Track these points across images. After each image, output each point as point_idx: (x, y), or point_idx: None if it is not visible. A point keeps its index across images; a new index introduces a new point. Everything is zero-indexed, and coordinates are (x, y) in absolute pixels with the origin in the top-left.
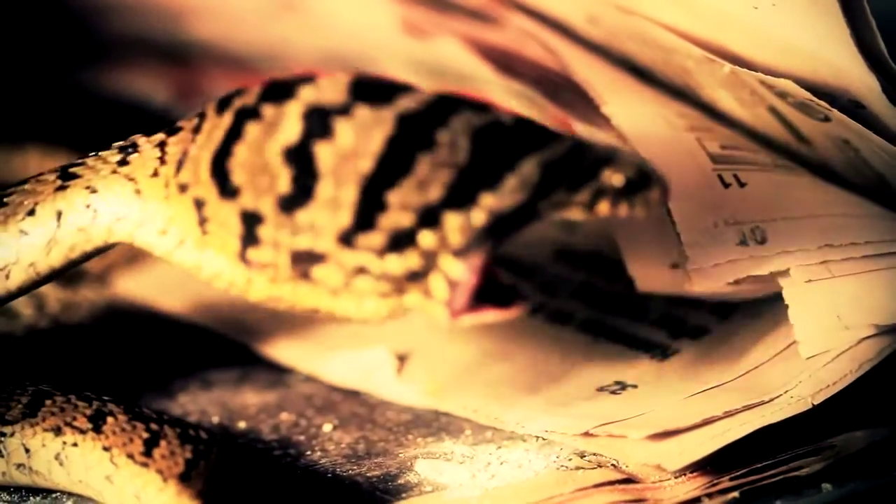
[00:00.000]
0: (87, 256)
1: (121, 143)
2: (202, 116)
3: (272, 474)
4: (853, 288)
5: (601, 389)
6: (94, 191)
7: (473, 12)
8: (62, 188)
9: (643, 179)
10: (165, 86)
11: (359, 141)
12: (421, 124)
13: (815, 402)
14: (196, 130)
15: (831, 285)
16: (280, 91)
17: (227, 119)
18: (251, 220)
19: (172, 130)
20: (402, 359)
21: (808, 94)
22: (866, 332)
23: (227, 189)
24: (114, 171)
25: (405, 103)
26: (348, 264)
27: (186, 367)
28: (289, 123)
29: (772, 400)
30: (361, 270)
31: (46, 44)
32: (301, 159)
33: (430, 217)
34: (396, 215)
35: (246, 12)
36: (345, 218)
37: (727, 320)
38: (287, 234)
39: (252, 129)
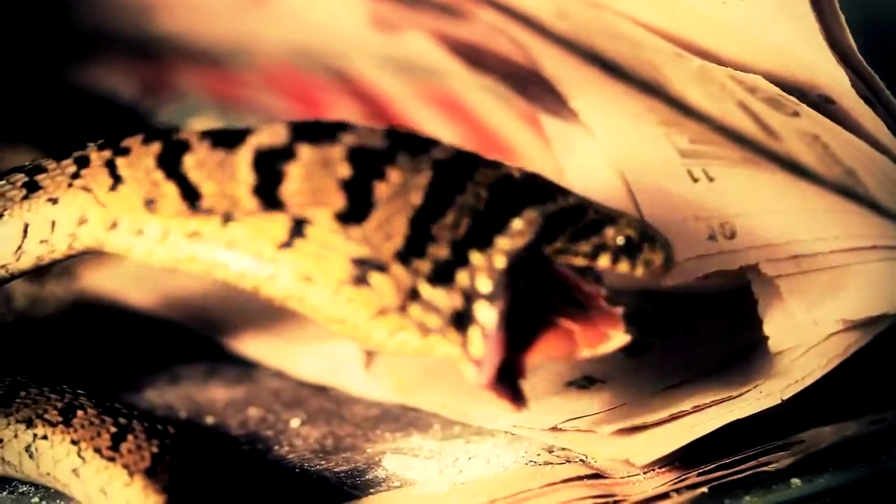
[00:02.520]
0: (57, 262)
1: (77, 153)
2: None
3: (239, 469)
4: (823, 283)
5: (569, 384)
6: (55, 202)
7: (442, 7)
8: (27, 198)
9: (646, 242)
10: (133, 80)
11: (406, 179)
12: (453, 171)
13: (785, 398)
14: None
15: (801, 280)
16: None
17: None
18: (300, 224)
19: (122, 151)
20: (370, 353)
21: (777, 90)
22: (836, 327)
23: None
24: (69, 185)
25: (438, 153)
26: (404, 283)
27: (154, 361)
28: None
29: (741, 395)
30: (414, 294)
31: (13, 37)
32: (358, 188)
33: (461, 253)
34: (439, 247)
35: (215, 6)
36: (398, 240)
37: (697, 315)
38: (341, 239)
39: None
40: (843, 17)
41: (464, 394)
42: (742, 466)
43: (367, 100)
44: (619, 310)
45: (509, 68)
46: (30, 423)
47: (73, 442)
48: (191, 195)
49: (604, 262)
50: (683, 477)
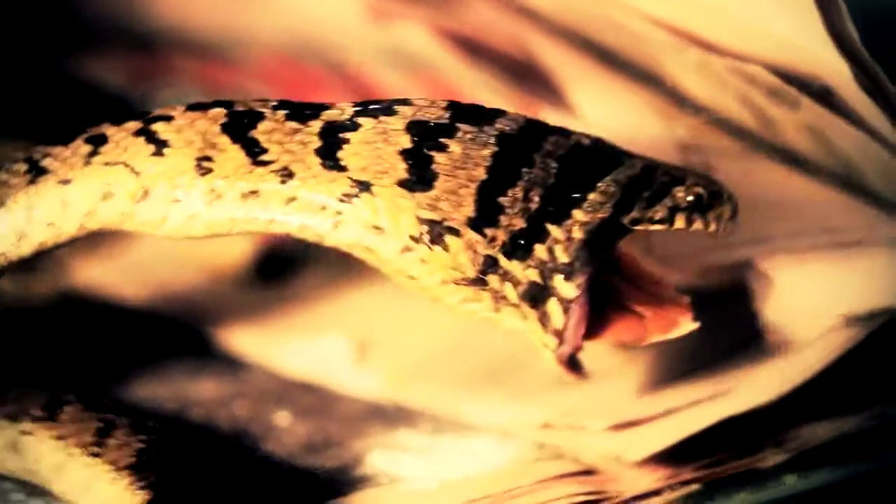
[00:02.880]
0: (58, 247)
1: (87, 134)
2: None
3: (227, 466)
4: (821, 277)
5: (561, 379)
6: (66, 182)
7: None
8: (33, 182)
9: (713, 197)
10: (124, 70)
11: (468, 152)
12: (519, 144)
13: (783, 391)
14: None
15: (799, 274)
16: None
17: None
18: (364, 184)
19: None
20: (361, 348)
21: (777, 81)
22: (834, 321)
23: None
24: (86, 163)
25: (503, 125)
26: (480, 250)
27: (142, 356)
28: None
29: (737, 389)
30: (493, 263)
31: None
32: (418, 158)
33: (538, 226)
34: (512, 217)
35: None
36: (468, 209)
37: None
38: (409, 201)
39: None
40: (844, 7)
41: (456, 389)
42: (736, 463)
43: (363, 92)
44: (687, 298)
45: (507, 61)
46: (14, 419)
47: (59, 438)
48: (253, 152)
49: (679, 223)
50: (676, 473)
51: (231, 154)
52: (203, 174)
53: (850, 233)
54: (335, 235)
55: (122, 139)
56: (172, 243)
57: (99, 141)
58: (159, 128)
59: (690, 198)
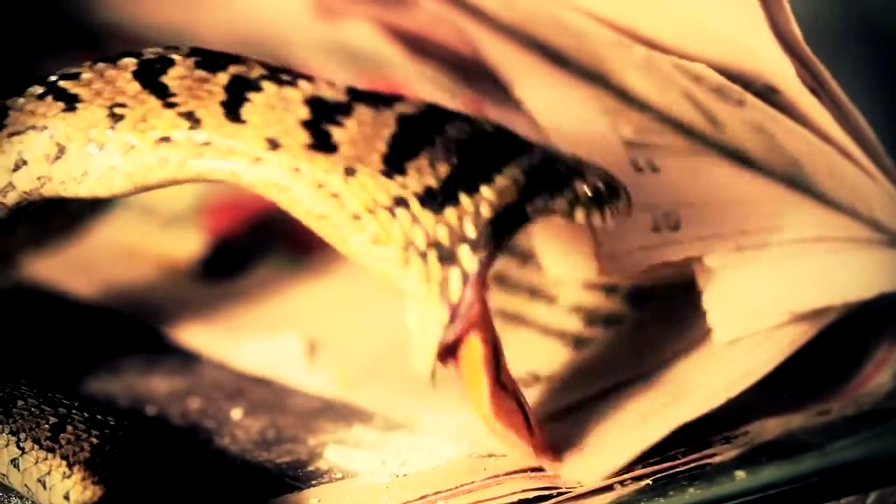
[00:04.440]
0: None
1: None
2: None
3: (180, 460)
4: (768, 275)
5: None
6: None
7: None
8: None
9: (611, 191)
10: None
11: (366, 130)
12: (420, 126)
13: (732, 395)
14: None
15: (746, 272)
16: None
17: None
18: (272, 141)
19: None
20: (311, 346)
21: (722, 79)
22: (782, 319)
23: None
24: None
25: (402, 108)
26: (392, 189)
27: (95, 351)
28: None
29: (686, 396)
30: (403, 203)
31: None
32: (318, 132)
33: (449, 190)
34: (423, 175)
35: None
36: (378, 164)
37: (641, 308)
38: (320, 155)
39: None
40: (787, 5)
41: (405, 392)
42: (686, 459)
43: None
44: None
45: (453, 57)
46: None
47: (12, 433)
48: (164, 97)
49: (579, 217)
50: (627, 469)
51: (142, 99)
52: (116, 122)
53: (796, 230)
54: (250, 175)
55: (26, 104)
56: (123, 236)
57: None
58: (67, 84)
59: (589, 192)
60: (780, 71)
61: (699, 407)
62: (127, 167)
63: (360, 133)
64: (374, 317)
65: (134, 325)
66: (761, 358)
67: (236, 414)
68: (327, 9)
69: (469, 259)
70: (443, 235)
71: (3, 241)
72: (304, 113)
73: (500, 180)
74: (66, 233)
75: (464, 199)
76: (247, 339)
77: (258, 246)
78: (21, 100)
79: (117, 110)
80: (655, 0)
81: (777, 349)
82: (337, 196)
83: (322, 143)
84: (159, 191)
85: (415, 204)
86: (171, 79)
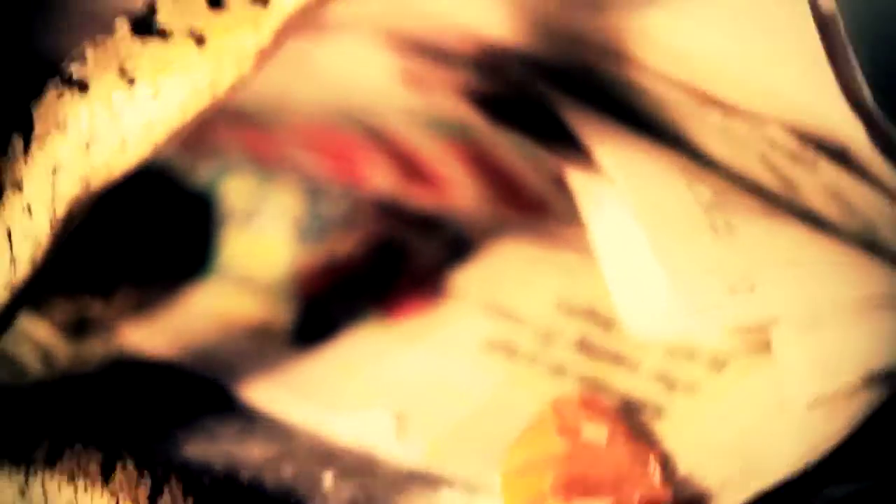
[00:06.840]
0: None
1: None
2: None
3: None
4: (841, 337)
5: None
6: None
7: (470, 63)
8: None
9: None
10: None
11: None
12: None
13: (810, 461)
14: None
15: (819, 334)
16: None
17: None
18: None
19: None
20: (401, 418)
21: (796, 142)
22: (853, 382)
23: None
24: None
25: None
26: None
27: (189, 416)
28: None
29: (765, 463)
30: None
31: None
32: None
33: None
34: None
35: None
36: None
37: (720, 373)
38: None
39: None
40: (858, 69)
41: (490, 457)
42: None
43: (400, 157)
44: None
45: (534, 123)
46: (72, 479)
47: (112, 494)
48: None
49: None
50: None
51: (145, 47)
52: (131, 80)
53: (871, 291)
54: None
55: (52, 105)
56: (219, 304)
57: (28, 129)
58: (75, 69)
59: None
60: (852, 133)
61: (776, 475)
62: (161, 114)
63: None
64: (461, 382)
65: (226, 392)
66: (836, 420)
67: (327, 478)
68: (415, 79)
69: None
70: None
71: (101, 311)
72: None
73: None
74: (164, 301)
75: None
76: (339, 413)
77: (349, 310)
78: (43, 100)
79: (128, 66)
80: (729, 64)
81: (850, 413)
82: None
83: None
84: (254, 260)
85: None
86: (161, 17)
